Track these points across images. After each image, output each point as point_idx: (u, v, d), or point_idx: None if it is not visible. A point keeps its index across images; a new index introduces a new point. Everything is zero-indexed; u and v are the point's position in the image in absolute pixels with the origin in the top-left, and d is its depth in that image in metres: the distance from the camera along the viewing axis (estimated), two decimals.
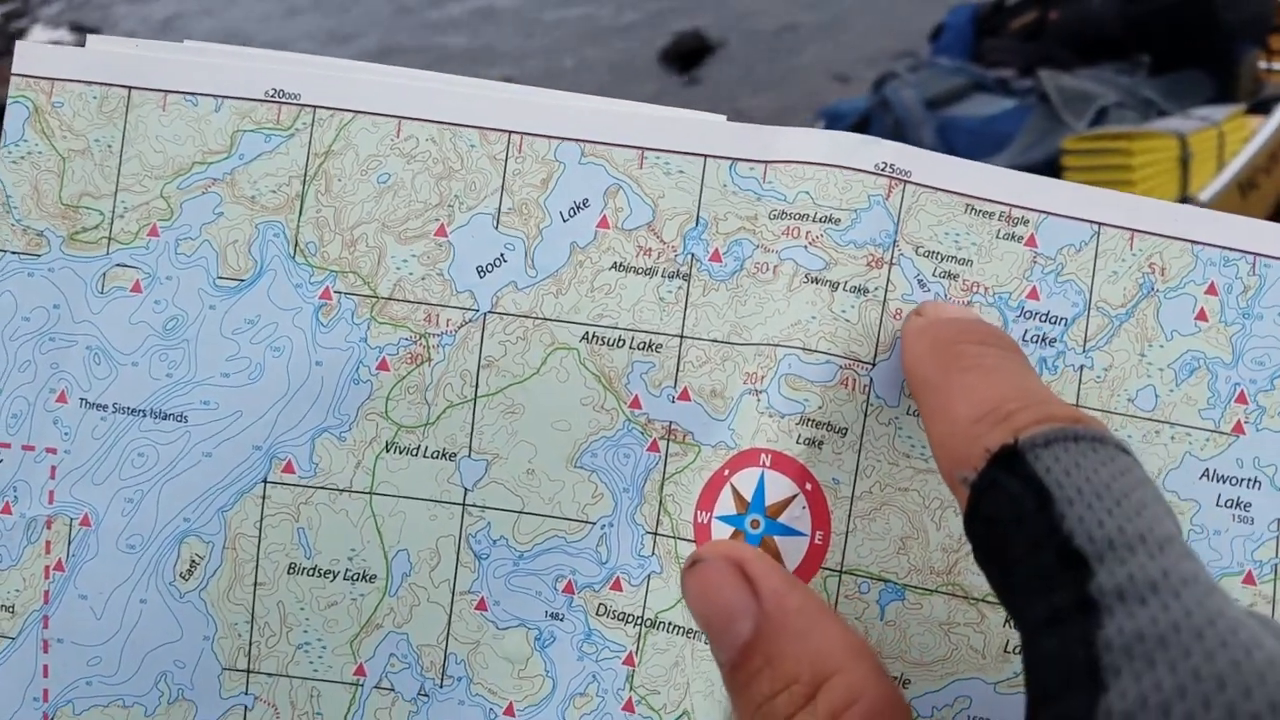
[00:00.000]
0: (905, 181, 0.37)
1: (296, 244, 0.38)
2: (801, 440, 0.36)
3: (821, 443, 0.36)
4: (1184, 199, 3.02)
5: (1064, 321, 0.37)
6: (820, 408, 0.36)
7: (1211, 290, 0.36)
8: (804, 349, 0.37)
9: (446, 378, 0.38)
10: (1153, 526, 0.23)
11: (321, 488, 0.38)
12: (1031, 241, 0.37)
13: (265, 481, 0.37)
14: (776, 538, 0.36)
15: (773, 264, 0.38)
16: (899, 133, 3.21)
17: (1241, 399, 0.36)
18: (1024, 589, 0.24)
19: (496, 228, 0.38)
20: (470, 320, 0.38)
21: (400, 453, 0.38)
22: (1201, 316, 0.36)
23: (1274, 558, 0.36)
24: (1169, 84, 3.34)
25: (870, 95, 3.36)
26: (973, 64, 3.48)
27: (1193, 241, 0.37)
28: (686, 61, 4.92)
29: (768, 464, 0.36)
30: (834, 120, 3.39)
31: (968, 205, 0.37)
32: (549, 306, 0.38)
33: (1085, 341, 0.37)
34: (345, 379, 0.38)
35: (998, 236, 0.37)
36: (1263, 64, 3.63)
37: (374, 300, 0.38)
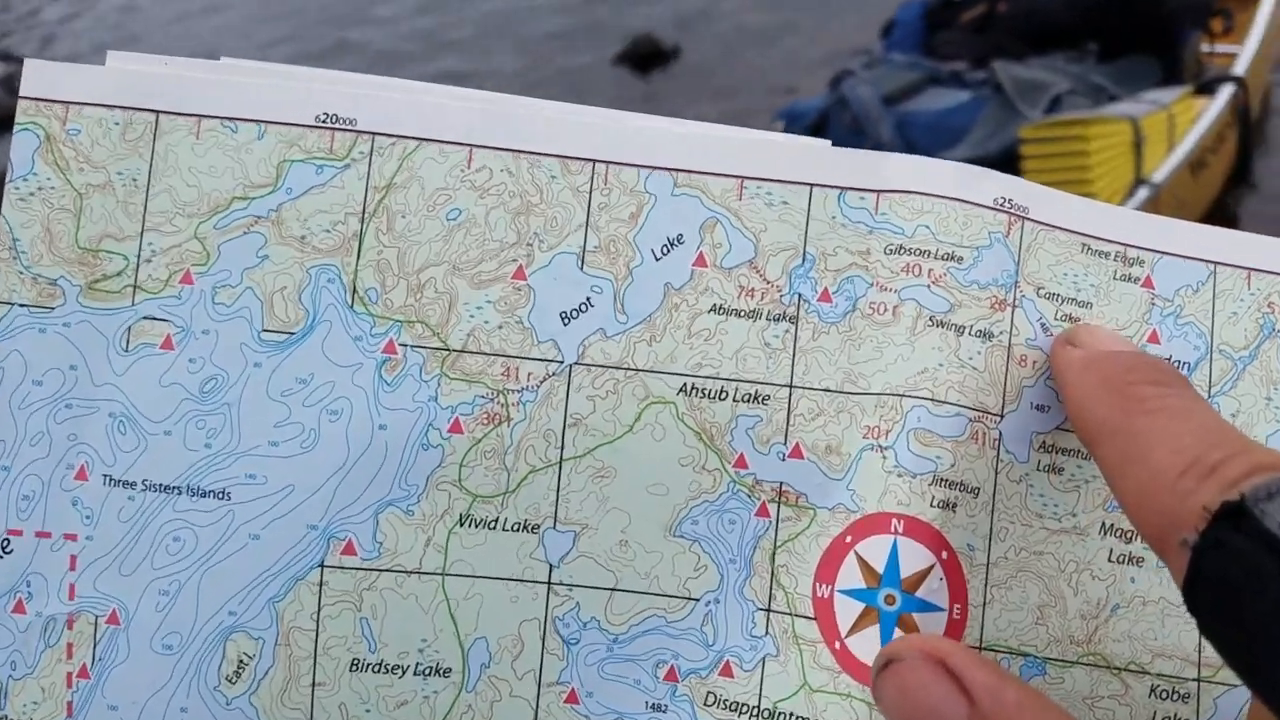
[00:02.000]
0: (1024, 218, 0.34)
1: (355, 290, 0.33)
2: (935, 503, 0.33)
3: (955, 505, 0.33)
4: (1139, 181, 3.07)
5: (1187, 366, 0.35)
6: (953, 466, 0.33)
7: None
8: (933, 400, 0.33)
9: (528, 439, 0.33)
10: None
11: (387, 570, 0.33)
12: (1149, 283, 0.35)
13: (322, 566, 0.33)
14: (915, 614, 0.32)
15: (891, 304, 0.34)
16: (858, 130, 3.22)
17: None
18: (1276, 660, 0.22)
19: (582, 268, 0.34)
20: (554, 373, 0.34)
21: (476, 526, 0.33)
22: None
23: None
24: (1118, 70, 3.41)
25: (827, 94, 3.36)
26: (926, 58, 3.51)
27: None
28: (642, 66, 4.89)
29: (900, 530, 0.32)
30: (793, 121, 3.38)
31: (1084, 245, 0.35)
32: (642, 356, 0.34)
33: (1210, 386, 0.35)
34: (413, 444, 0.33)
35: (1115, 278, 0.35)
36: (1205, 47, 3.71)
37: (445, 353, 0.33)
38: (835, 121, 3.29)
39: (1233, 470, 0.25)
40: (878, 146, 3.19)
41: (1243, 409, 0.35)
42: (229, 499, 0.33)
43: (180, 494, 0.33)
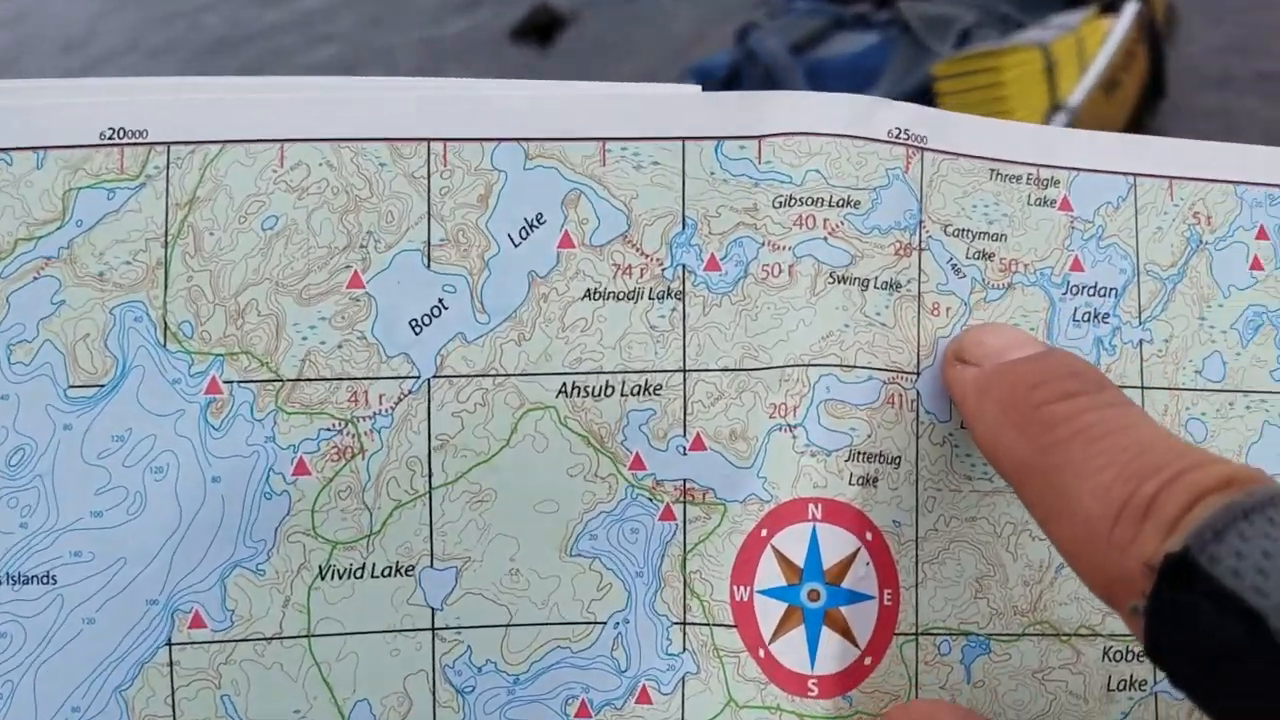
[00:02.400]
0: (923, 149, 0.31)
1: (166, 327, 0.29)
2: (854, 480, 0.29)
3: (876, 480, 0.29)
4: (1054, 107, 3.08)
5: (1114, 292, 0.32)
6: (869, 436, 0.29)
7: (1262, 234, 0.33)
8: (841, 365, 0.29)
9: (389, 471, 0.29)
10: None
11: (243, 640, 0.28)
12: (1066, 205, 0.32)
13: (169, 644, 0.28)
14: (844, 608, 0.29)
15: (786, 264, 0.30)
16: (770, 83, 3.19)
17: None
18: None
19: (429, 267, 0.29)
20: (411, 391, 0.29)
21: (340, 577, 0.29)
22: (1256, 265, 0.33)
23: None
24: None
25: (734, 48, 3.32)
26: (828, 3, 3.48)
27: (1234, 182, 0.33)
28: (541, 36, 4.80)
29: (819, 516, 0.29)
30: (703, 77, 3.34)
31: (992, 170, 0.31)
32: (511, 358, 0.29)
33: (1140, 312, 0.32)
34: (254, 494, 0.29)
35: (1029, 203, 0.32)
36: None
37: (278, 385, 0.29)
38: (746, 76, 3.26)
39: (1170, 506, 0.22)
40: None
41: (1176, 333, 0.32)
42: (55, 582, 0.28)
43: (1, 584, 0.28)
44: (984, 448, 0.28)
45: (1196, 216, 0.33)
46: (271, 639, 0.29)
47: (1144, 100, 3.61)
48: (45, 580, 0.28)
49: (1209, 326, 0.32)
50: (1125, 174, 0.32)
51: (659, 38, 4.53)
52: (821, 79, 3.13)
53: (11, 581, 0.28)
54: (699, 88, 0.30)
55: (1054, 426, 0.25)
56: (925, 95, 3.01)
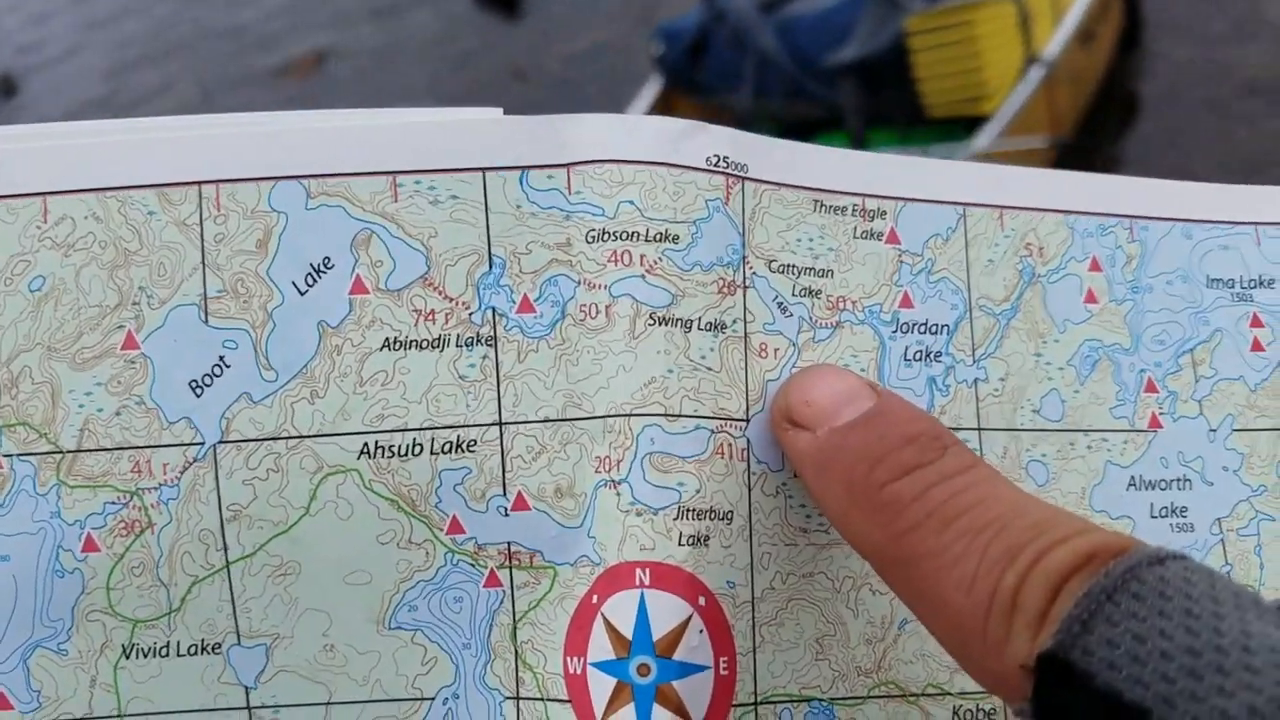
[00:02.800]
0: (744, 178, 0.28)
1: None
2: (684, 540, 0.27)
3: (708, 538, 0.27)
4: (1030, 60, 3.05)
5: (946, 329, 0.30)
6: (699, 491, 0.27)
7: (1095, 266, 0.32)
8: (666, 415, 0.27)
9: (181, 545, 0.26)
10: (1275, 671, 0.18)
11: None
12: (893, 237, 0.30)
13: None
14: (676, 682, 0.26)
15: (603, 304, 0.27)
16: (738, 43, 3.14)
17: (1151, 388, 0.32)
18: None
19: (206, 322, 0.27)
20: (196, 459, 0.27)
21: (145, 656, 0.26)
22: (1090, 299, 0.32)
23: (1224, 564, 0.31)
24: None
25: (702, 9, 3.27)
26: None
27: (1065, 212, 0.31)
28: (507, 2, 4.72)
29: (646, 582, 0.26)
30: (672, 39, 3.29)
31: (816, 202, 0.29)
32: (304, 418, 0.27)
33: (974, 350, 0.30)
34: (44, 573, 0.26)
35: (855, 236, 0.30)
36: None
37: (58, 457, 0.26)
38: (715, 36, 3.21)
39: (1034, 597, 0.21)
40: (761, 57, 3.14)
41: (1011, 370, 0.30)
42: None
43: None
44: (837, 528, 0.26)
45: (1029, 248, 0.31)
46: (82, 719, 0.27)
47: (1120, 51, 3.58)
48: None
49: (1045, 363, 0.31)
50: (954, 203, 0.30)
51: (622, 3, 4.47)
52: (793, 37, 3.08)
53: None
54: (500, 110, 0.27)
55: (902, 510, 0.24)
56: (898, 51, 2.98)
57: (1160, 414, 0.31)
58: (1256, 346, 0.32)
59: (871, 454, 0.25)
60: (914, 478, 0.24)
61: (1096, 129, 3.37)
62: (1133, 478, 0.31)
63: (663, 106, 3.36)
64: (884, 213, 0.30)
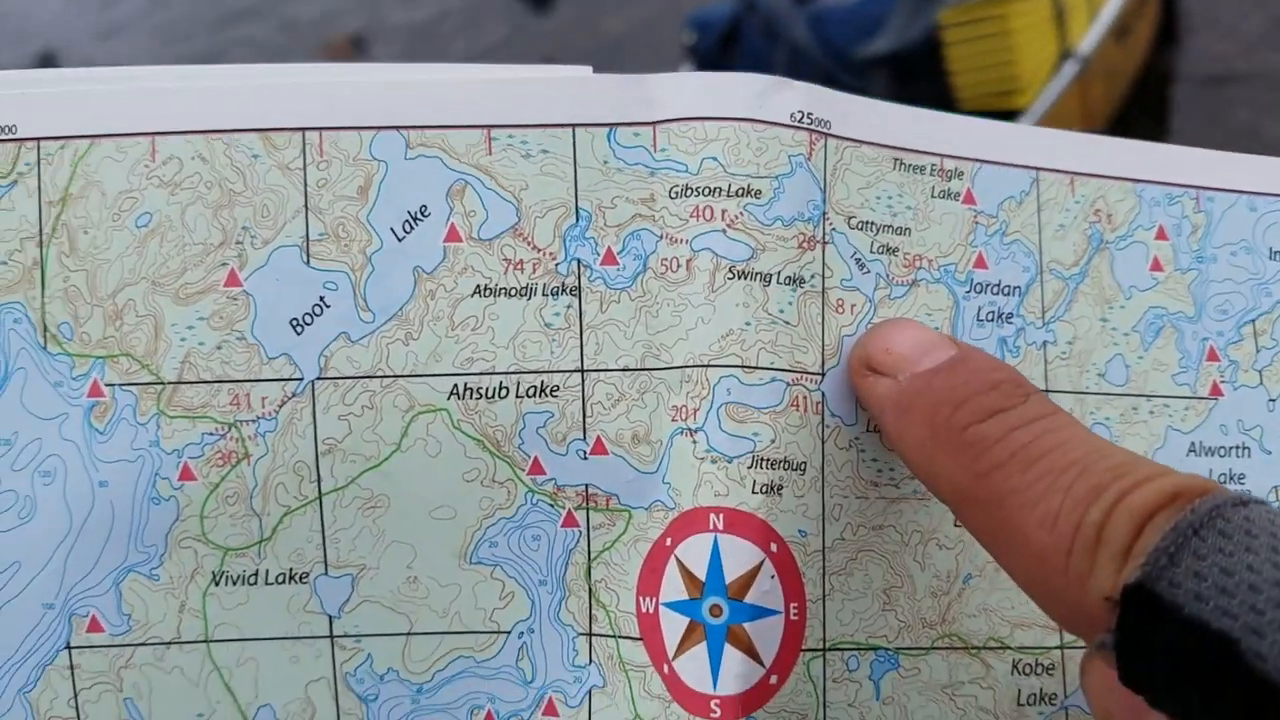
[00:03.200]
0: (827, 135, 0.29)
1: (46, 328, 0.27)
2: (758, 489, 0.27)
3: (780, 487, 0.28)
4: (1065, 55, 3.03)
5: (1018, 291, 0.31)
6: (773, 441, 0.28)
7: (1161, 235, 0.32)
8: (743, 366, 0.28)
9: (275, 476, 0.28)
10: None
11: (142, 644, 0.28)
12: (969, 198, 0.30)
13: (69, 647, 0.28)
14: (747, 624, 0.27)
15: (684, 258, 0.28)
16: (771, 33, 3.14)
17: (1213, 356, 0.32)
18: None
19: (308, 263, 0.28)
20: (294, 394, 0.28)
21: (234, 583, 0.28)
22: (1156, 266, 0.32)
23: None
24: None
25: None
26: None
27: (1134, 180, 0.32)
28: None
29: (720, 526, 0.27)
30: (704, 29, 3.28)
31: (896, 160, 0.30)
32: (399, 359, 0.28)
33: (1044, 312, 0.31)
34: (141, 499, 0.27)
35: (933, 195, 0.30)
36: None
37: (159, 388, 0.27)
38: (747, 27, 3.20)
39: (1120, 532, 0.21)
40: (794, 48, 3.13)
41: (1079, 334, 0.31)
42: None
43: None
44: (916, 472, 0.26)
45: (1098, 214, 0.31)
46: (170, 644, 0.28)
47: (1157, 46, 3.55)
48: None
49: (1111, 328, 0.31)
50: (1028, 168, 0.31)
51: None
52: (825, 28, 3.07)
53: None
54: (589, 69, 0.28)
55: (986, 450, 0.24)
56: (931, 45, 2.97)
57: (1221, 382, 0.32)
58: None
59: (955, 397, 0.25)
60: (998, 420, 0.25)
61: (1131, 124, 3.35)
62: (1193, 444, 0.32)
63: None
64: (961, 173, 0.30)
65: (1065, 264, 0.31)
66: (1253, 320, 0.32)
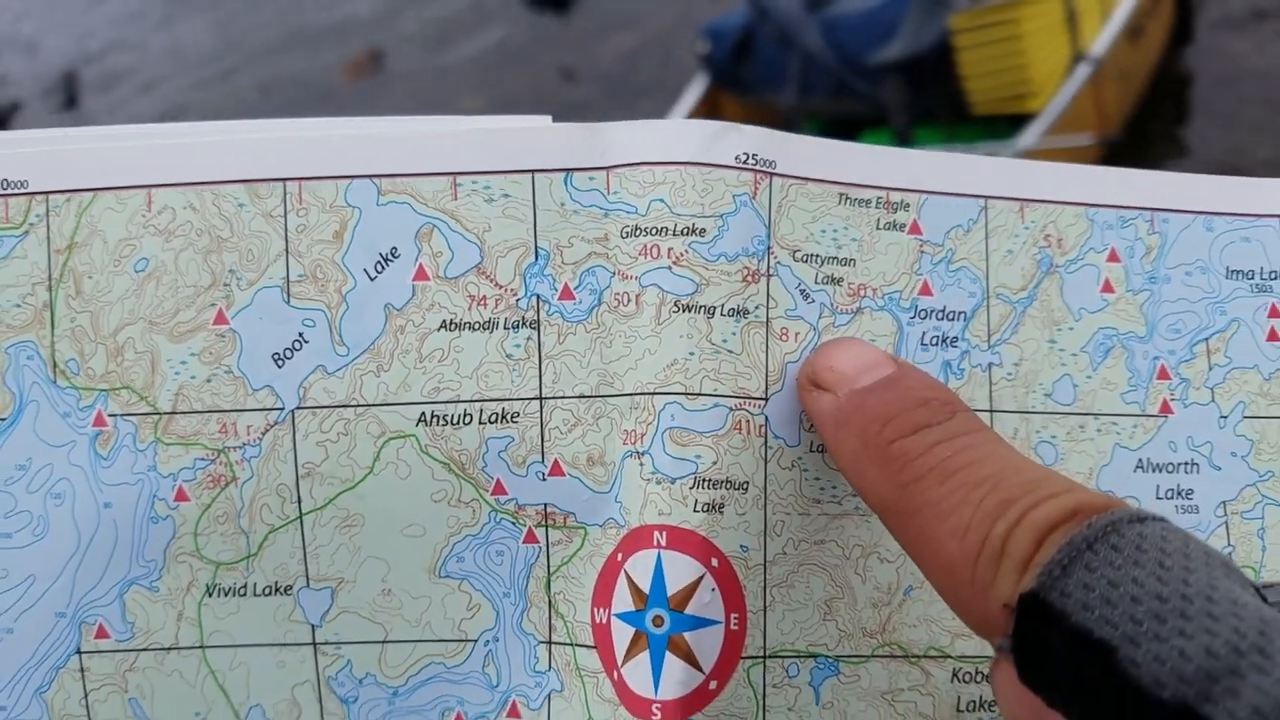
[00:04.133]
0: (771, 174, 0.30)
1: (55, 364, 0.30)
2: (699, 507, 0.29)
3: (722, 506, 0.29)
4: (1078, 57, 3.02)
5: (963, 316, 0.31)
6: (715, 463, 0.29)
7: (1113, 257, 0.32)
8: (686, 394, 0.29)
9: (260, 497, 0.30)
10: (1237, 621, 0.20)
11: (144, 649, 0.30)
12: (915, 228, 0.31)
13: (79, 652, 0.30)
14: (687, 634, 0.29)
15: (634, 293, 0.30)
16: (784, 41, 3.15)
17: (1163, 375, 0.32)
18: None
19: (288, 302, 0.30)
20: (276, 422, 0.30)
21: (225, 595, 0.30)
22: (1107, 288, 0.32)
23: (1226, 545, 0.32)
24: None
25: (748, 7, 3.28)
26: None
27: (1087, 205, 0.32)
28: (557, 2, 4.77)
29: (663, 543, 0.29)
30: (717, 39, 3.30)
31: (841, 195, 0.31)
32: (371, 389, 0.30)
33: (990, 335, 0.32)
34: (141, 519, 0.30)
35: (878, 227, 0.31)
36: None
37: (156, 417, 0.30)
38: (760, 35, 3.21)
39: (1021, 544, 0.23)
40: (806, 56, 3.14)
41: (1025, 356, 0.32)
42: None
43: None
44: (849, 480, 0.28)
45: (1048, 239, 0.32)
46: (169, 649, 0.30)
47: (1171, 46, 3.53)
48: None
49: (1059, 349, 0.32)
50: (976, 196, 0.31)
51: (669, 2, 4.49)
52: (837, 35, 3.08)
53: None
54: (549, 118, 0.30)
55: (908, 464, 0.25)
56: (943, 50, 2.97)
57: (1172, 400, 0.32)
58: (1273, 336, 0.33)
59: (886, 413, 0.27)
60: (921, 435, 0.26)
61: (1146, 125, 3.33)
62: (1140, 460, 0.32)
63: (708, 104, 3.37)
64: (907, 205, 0.31)
65: (1013, 288, 0.32)
66: (1206, 339, 0.32)
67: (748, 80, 3.30)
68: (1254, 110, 3.29)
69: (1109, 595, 0.21)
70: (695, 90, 3.43)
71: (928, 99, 3.04)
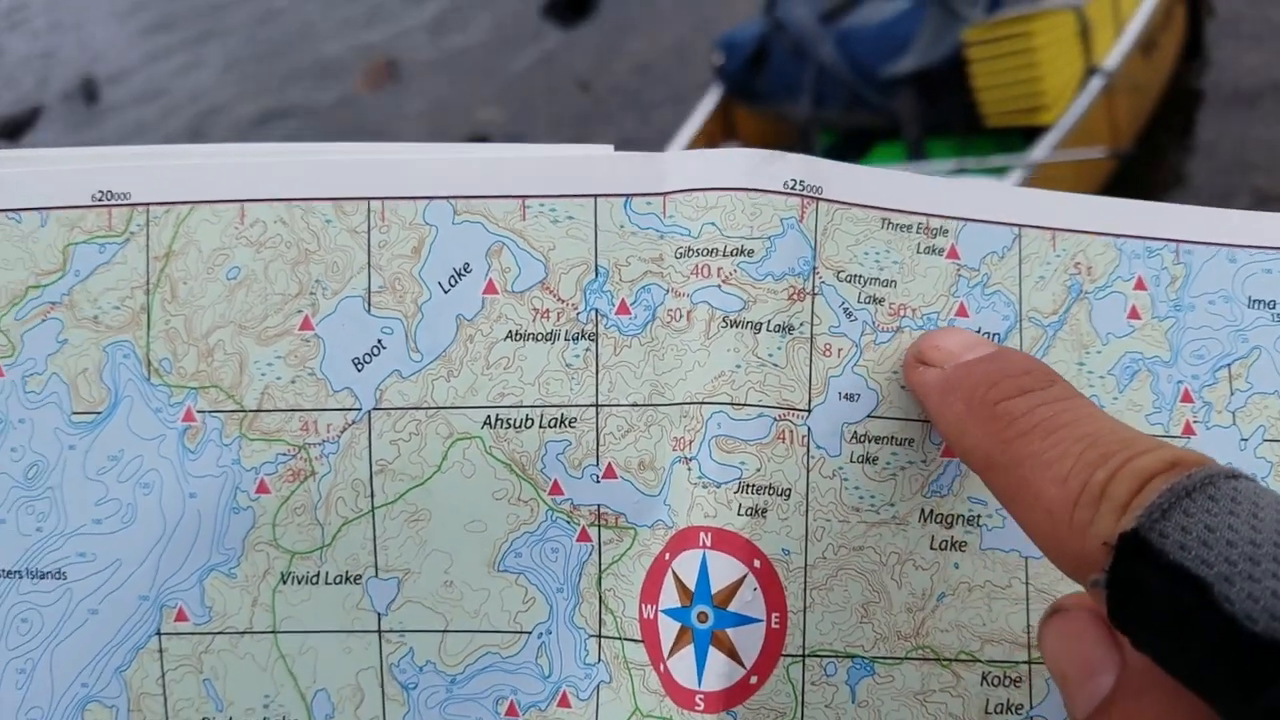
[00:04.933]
0: (818, 199, 0.32)
1: (149, 363, 0.32)
2: (743, 511, 0.31)
3: (765, 510, 0.31)
4: (1090, 71, 3.03)
5: (997, 337, 0.33)
6: (759, 470, 0.31)
7: (1140, 285, 0.34)
8: (732, 404, 0.32)
9: (336, 491, 0.32)
10: None
11: (220, 633, 0.32)
12: (953, 253, 0.33)
13: (159, 634, 0.32)
14: (730, 630, 0.31)
15: (685, 310, 0.32)
16: (799, 53, 3.16)
17: (1187, 398, 0.34)
18: (1223, 693, 0.21)
19: (369, 311, 0.33)
20: (354, 422, 0.32)
21: (298, 583, 0.32)
22: (1134, 315, 0.34)
23: None
24: None
25: (763, 19, 3.30)
26: None
27: (1115, 235, 0.34)
28: (573, 11, 4.80)
29: (709, 544, 0.31)
30: (732, 50, 3.32)
31: (884, 220, 0.33)
32: (441, 393, 0.32)
33: None
34: (224, 509, 0.32)
35: (919, 251, 0.33)
36: None
37: (242, 415, 0.32)
38: (775, 47, 3.23)
39: (1121, 489, 0.24)
40: (820, 68, 3.15)
41: None
42: (65, 578, 0.32)
43: (21, 577, 0.32)
44: (951, 443, 0.30)
45: (1078, 267, 0.34)
46: (244, 633, 0.32)
47: (1182, 61, 3.54)
48: (57, 576, 0.32)
49: (1088, 371, 0.33)
50: (1011, 224, 0.33)
51: (688, 9, 4.52)
52: (851, 47, 3.09)
53: (31, 576, 0.32)
54: (611, 147, 0.33)
55: (1012, 421, 0.27)
56: (957, 62, 2.98)
57: (1194, 422, 0.34)
58: None
59: (991, 379, 0.29)
60: (1026, 397, 0.28)
61: (1157, 139, 3.34)
62: None
63: (722, 115, 3.39)
64: (946, 231, 0.33)
65: (1044, 312, 0.34)
66: (1228, 365, 0.34)
67: (762, 91, 3.31)
68: (1264, 126, 3.29)
69: (1205, 538, 0.22)
70: (709, 101, 3.45)
71: (941, 111, 3.05)
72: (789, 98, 3.23)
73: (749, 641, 0.31)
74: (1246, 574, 0.21)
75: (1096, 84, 3.04)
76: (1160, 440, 0.25)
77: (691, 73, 3.92)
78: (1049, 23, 2.95)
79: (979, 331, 0.33)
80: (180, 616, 0.33)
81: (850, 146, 3.20)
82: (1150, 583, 0.22)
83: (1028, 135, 2.95)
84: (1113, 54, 3.10)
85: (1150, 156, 3.22)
